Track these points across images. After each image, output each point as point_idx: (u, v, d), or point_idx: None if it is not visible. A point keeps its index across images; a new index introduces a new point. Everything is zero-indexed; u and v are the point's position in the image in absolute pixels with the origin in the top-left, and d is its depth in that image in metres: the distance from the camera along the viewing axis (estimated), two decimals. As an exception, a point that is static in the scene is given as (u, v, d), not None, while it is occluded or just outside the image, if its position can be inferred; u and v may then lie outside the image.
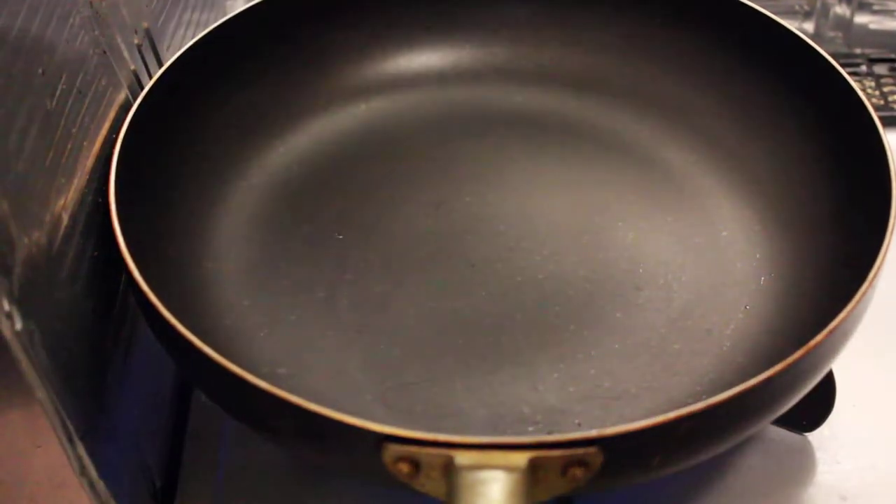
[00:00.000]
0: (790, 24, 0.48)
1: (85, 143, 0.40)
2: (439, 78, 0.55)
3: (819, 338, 0.35)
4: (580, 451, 0.32)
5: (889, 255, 0.38)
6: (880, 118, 0.43)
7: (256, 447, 0.47)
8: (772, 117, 0.49)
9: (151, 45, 0.49)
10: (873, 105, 0.44)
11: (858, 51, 0.67)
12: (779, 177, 0.48)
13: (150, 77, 0.46)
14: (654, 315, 0.44)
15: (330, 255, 0.47)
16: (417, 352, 0.43)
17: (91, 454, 0.36)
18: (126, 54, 0.46)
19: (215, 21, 0.49)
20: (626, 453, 0.34)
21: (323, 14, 0.53)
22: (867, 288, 0.37)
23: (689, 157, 0.51)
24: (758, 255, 0.46)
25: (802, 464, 0.46)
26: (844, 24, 0.67)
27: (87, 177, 0.40)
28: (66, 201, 0.38)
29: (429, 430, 0.33)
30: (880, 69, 0.66)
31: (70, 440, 0.35)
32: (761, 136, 0.50)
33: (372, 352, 0.43)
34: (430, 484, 0.33)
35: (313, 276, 0.46)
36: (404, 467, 0.33)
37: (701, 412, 0.33)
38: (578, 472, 0.33)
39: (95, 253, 0.40)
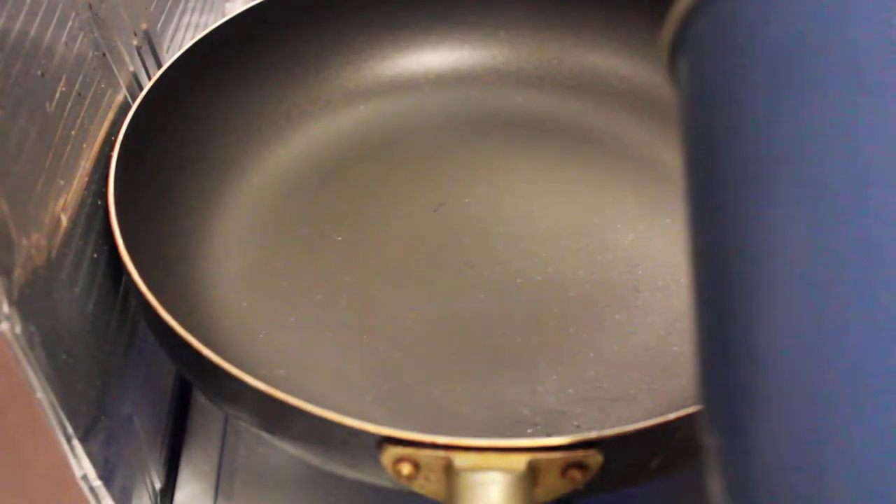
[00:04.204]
0: (789, 26, 0.48)
1: (84, 145, 0.40)
2: (438, 79, 0.55)
3: (817, 339, 0.35)
4: (579, 452, 0.32)
5: (887, 257, 0.38)
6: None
7: (256, 447, 0.47)
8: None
9: (151, 46, 0.49)
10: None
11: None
12: (777, 178, 0.48)
13: (150, 79, 0.46)
14: (652, 317, 0.44)
15: (329, 257, 0.47)
16: (417, 353, 0.43)
17: (91, 454, 0.36)
18: (125, 56, 0.46)
19: (214, 23, 0.50)
20: (625, 455, 0.34)
21: (322, 16, 0.53)
22: (865, 290, 0.37)
23: (688, 159, 0.51)
24: (756, 257, 0.46)
25: (801, 465, 0.46)
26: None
27: (87, 178, 0.40)
28: (66, 203, 0.38)
29: (428, 431, 0.33)
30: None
31: (70, 440, 0.35)
32: (760, 138, 0.50)
33: (371, 353, 0.43)
34: (429, 485, 0.33)
35: (312, 277, 0.46)
36: (404, 468, 0.33)
37: (700, 414, 0.33)
38: (577, 473, 0.33)
39: (95, 254, 0.40)
